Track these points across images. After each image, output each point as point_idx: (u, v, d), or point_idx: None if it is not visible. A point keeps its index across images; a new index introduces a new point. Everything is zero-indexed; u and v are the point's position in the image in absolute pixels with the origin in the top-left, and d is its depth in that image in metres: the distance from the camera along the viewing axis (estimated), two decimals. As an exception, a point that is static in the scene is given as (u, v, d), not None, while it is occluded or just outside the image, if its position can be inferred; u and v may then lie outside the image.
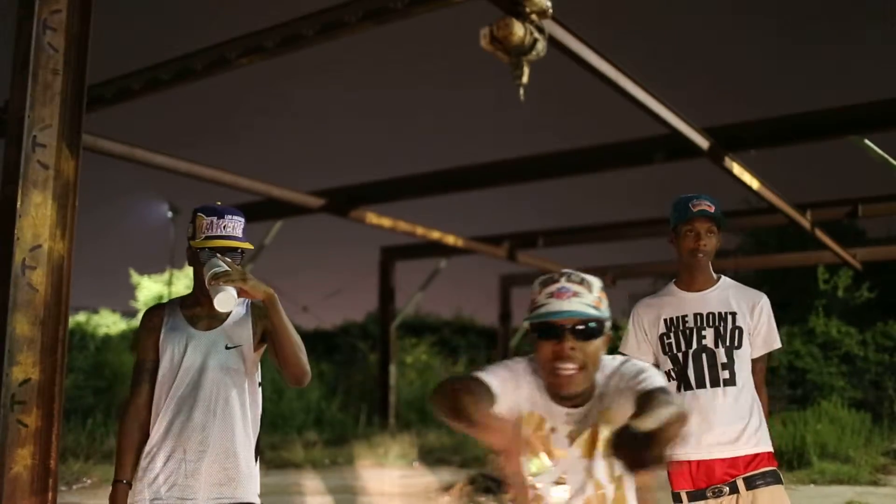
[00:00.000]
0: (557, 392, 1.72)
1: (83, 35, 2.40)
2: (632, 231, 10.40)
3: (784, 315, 11.87)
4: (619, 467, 1.74)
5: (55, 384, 2.21)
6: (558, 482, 1.76)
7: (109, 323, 17.05)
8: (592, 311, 1.68)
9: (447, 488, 7.23)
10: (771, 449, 2.63)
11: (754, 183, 6.35)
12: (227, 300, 2.15)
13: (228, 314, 2.36)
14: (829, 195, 8.65)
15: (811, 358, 12.44)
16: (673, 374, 2.67)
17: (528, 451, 1.78)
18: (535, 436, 1.77)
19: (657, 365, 2.71)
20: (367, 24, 3.90)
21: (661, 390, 1.66)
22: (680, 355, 2.67)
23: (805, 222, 8.02)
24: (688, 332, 2.68)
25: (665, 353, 2.70)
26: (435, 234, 9.57)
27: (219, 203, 2.37)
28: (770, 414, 2.73)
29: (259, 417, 2.40)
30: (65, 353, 2.25)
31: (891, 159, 6.18)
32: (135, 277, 19.24)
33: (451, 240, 9.86)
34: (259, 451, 2.39)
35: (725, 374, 2.62)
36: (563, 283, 1.70)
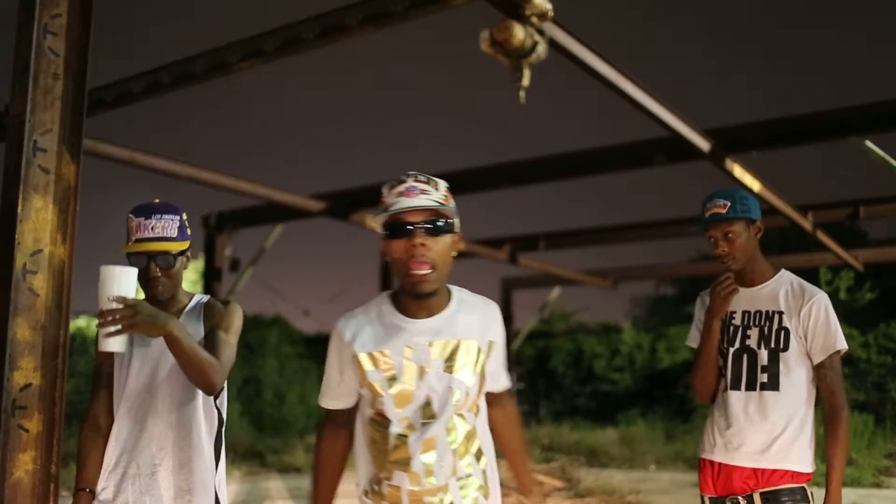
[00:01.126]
0: (413, 291, 1.76)
1: (83, 39, 2.40)
2: (633, 234, 10.38)
3: (786, 317, 11.78)
4: (478, 393, 1.84)
5: (56, 389, 2.21)
6: (425, 417, 1.77)
7: (111, 327, 17.01)
8: (441, 206, 1.73)
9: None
10: (802, 468, 2.42)
11: (755, 185, 6.33)
12: (111, 341, 1.97)
13: (181, 313, 2.27)
14: (830, 197, 8.63)
15: (813, 360, 12.37)
16: (721, 371, 2.56)
17: (380, 395, 1.80)
18: (381, 373, 1.80)
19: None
20: (367, 28, 3.90)
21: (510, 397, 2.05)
22: (725, 351, 2.55)
23: (806, 224, 8.00)
24: (732, 329, 2.55)
25: (717, 349, 2.58)
26: (436, 238, 9.54)
27: (156, 201, 2.25)
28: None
29: (221, 422, 2.30)
30: (66, 358, 2.24)
31: (892, 161, 6.17)
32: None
33: (452, 243, 9.84)
34: (218, 456, 2.29)
35: (764, 378, 2.45)
36: (410, 182, 1.75)
